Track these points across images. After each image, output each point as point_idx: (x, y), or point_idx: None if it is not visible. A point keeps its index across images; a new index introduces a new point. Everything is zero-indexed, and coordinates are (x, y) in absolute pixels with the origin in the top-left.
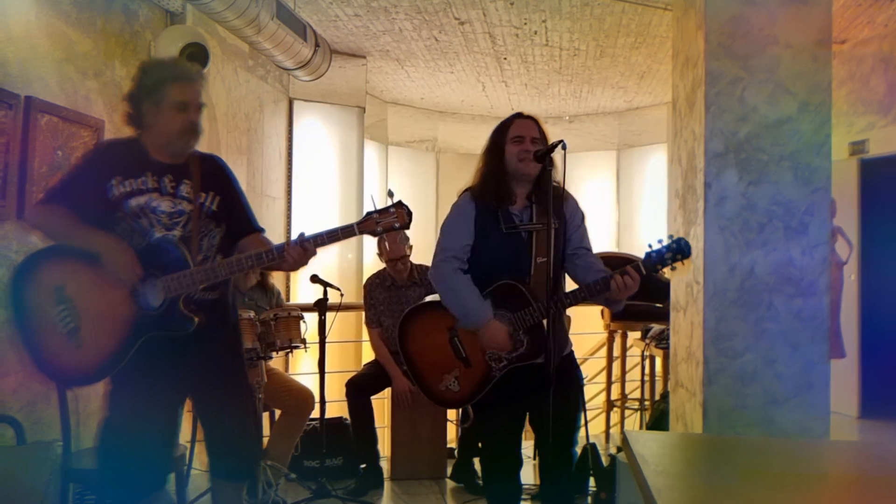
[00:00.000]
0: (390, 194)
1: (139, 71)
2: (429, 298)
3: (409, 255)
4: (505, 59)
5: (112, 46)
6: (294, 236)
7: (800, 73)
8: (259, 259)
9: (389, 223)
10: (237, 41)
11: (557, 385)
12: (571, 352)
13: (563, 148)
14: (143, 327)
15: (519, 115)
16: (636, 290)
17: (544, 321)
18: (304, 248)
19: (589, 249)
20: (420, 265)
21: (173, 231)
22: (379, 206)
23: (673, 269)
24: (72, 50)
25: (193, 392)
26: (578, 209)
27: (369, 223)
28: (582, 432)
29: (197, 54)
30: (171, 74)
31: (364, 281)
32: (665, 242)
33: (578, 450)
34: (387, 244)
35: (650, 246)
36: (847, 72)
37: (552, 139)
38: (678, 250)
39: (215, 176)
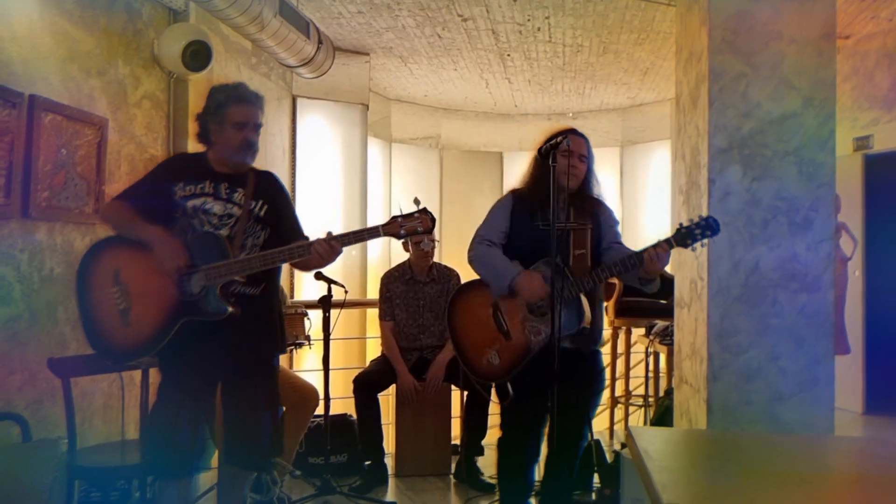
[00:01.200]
0: (416, 202)
1: (208, 94)
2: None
3: (435, 243)
4: (508, 55)
5: (115, 45)
6: (317, 238)
7: (804, 68)
8: (291, 253)
9: (413, 227)
10: (240, 39)
11: (580, 377)
12: (600, 353)
13: (567, 144)
14: (183, 311)
15: (574, 132)
16: (664, 267)
17: (585, 303)
18: (330, 246)
19: (621, 244)
20: (439, 263)
21: (221, 230)
22: (405, 212)
23: (703, 245)
24: (75, 48)
25: (223, 379)
26: (613, 216)
27: (393, 226)
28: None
29: (200, 52)
30: (231, 96)
31: (379, 277)
32: (695, 220)
33: (588, 439)
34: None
35: (681, 223)
36: (851, 67)
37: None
38: (707, 227)
39: (268, 188)
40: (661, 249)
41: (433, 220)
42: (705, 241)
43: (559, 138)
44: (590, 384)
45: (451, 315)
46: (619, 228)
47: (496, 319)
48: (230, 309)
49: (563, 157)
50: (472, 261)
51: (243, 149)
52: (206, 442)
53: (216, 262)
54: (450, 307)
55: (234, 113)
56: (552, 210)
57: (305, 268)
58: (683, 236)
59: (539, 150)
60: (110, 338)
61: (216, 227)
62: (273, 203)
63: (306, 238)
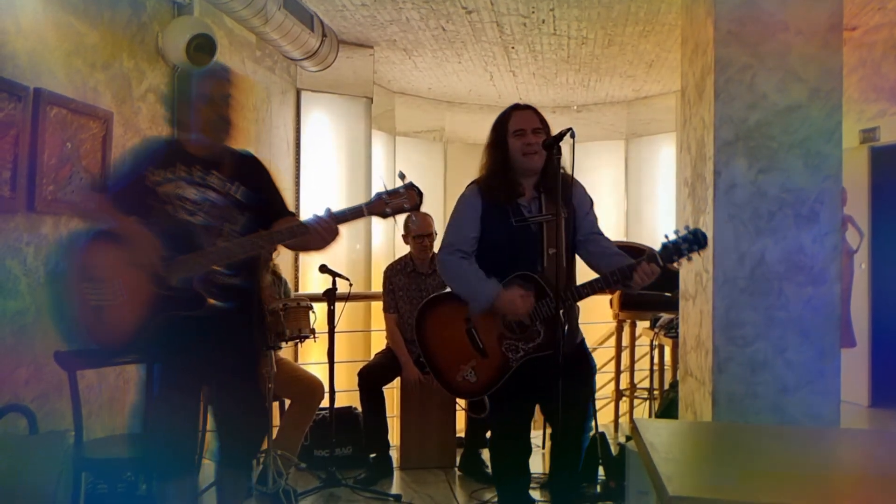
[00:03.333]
0: (402, 176)
1: (174, 77)
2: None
3: (435, 235)
4: (512, 48)
5: (120, 38)
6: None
7: (810, 59)
8: (271, 238)
9: (399, 204)
10: (244, 32)
11: (570, 374)
12: (583, 340)
13: (572, 136)
14: (161, 306)
15: (516, 107)
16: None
17: (561, 311)
18: (322, 224)
19: (601, 234)
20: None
21: (196, 216)
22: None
23: (689, 259)
24: (80, 42)
25: (210, 378)
26: (586, 196)
27: (379, 204)
28: (591, 422)
29: (204, 45)
30: (200, 74)
31: (383, 269)
32: (682, 233)
33: (591, 434)
34: (414, 218)
35: (667, 237)
36: (858, 58)
37: (560, 128)
38: (695, 241)
39: (245, 169)
40: (652, 271)
41: (420, 194)
42: (692, 255)
43: (563, 130)
44: (577, 376)
45: (421, 329)
46: (614, 224)
47: (470, 336)
48: (210, 301)
49: (516, 139)
50: (444, 273)
51: (213, 125)
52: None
53: (193, 253)
54: (419, 320)
55: (205, 90)
56: (556, 211)
57: (303, 249)
58: (670, 252)
59: (543, 144)
60: (89, 334)
61: (191, 213)
62: (252, 184)
63: (291, 213)
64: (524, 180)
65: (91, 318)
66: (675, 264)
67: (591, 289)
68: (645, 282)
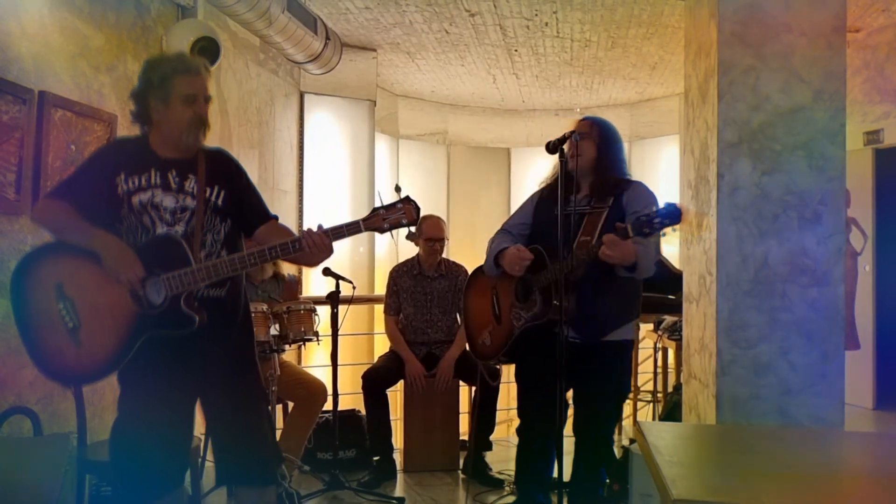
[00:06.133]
0: (398, 189)
1: (144, 67)
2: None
3: (445, 240)
4: (516, 51)
5: (124, 41)
6: (306, 229)
7: (814, 61)
8: (262, 256)
9: (397, 219)
10: (248, 35)
11: (595, 366)
12: (623, 341)
13: (576, 139)
14: (144, 326)
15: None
16: (626, 256)
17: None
18: (315, 240)
19: (642, 234)
20: (447, 259)
21: (176, 227)
22: (387, 202)
23: (663, 235)
24: (84, 45)
25: (201, 394)
26: (643, 197)
27: (376, 219)
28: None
29: (208, 48)
30: (176, 68)
31: (389, 271)
32: (656, 208)
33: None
34: (424, 225)
35: (639, 211)
36: (862, 60)
37: (563, 132)
38: (667, 215)
39: (222, 169)
40: (614, 240)
41: (417, 209)
42: (665, 230)
43: (567, 133)
44: (598, 381)
45: (466, 297)
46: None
47: (492, 303)
48: (197, 319)
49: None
50: (488, 245)
51: (194, 126)
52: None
53: (179, 269)
54: (466, 289)
55: (181, 85)
56: (559, 201)
57: (294, 262)
58: (640, 224)
59: (546, 147)
60: (60, 359)
61: (169, 223)
62: (230, 187)
63: (274, 217)
64: (581, 180)
65: (62, 344)
66: (648, 237)
67: (575, 259)
68: (612, 253)
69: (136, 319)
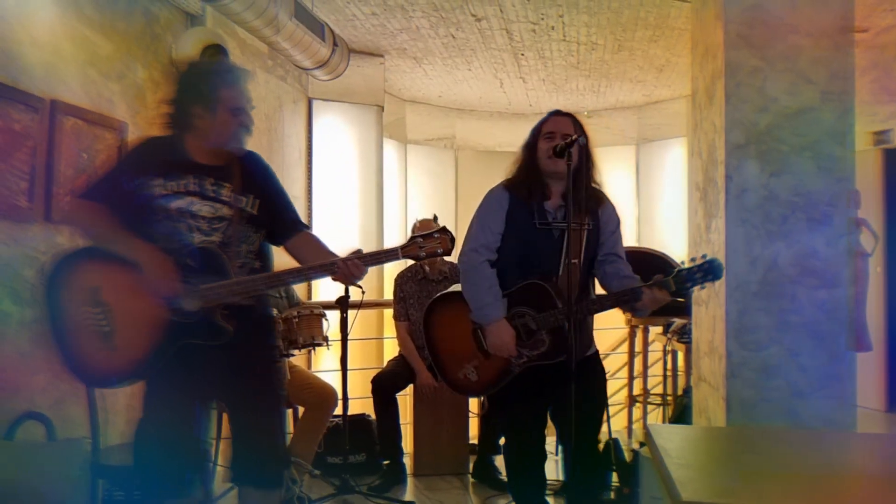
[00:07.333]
0: (435, 219)
1: (187, 73)
2: (454, 288)
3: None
4: (522, 54)
5: (134, 49)
6: (343, 258)
7: (821, 61)
8: (298, 275)
9: (433, 248)
10: (256, 42)
11: (580, 382)
12: (596, 351)
13: (582, 143)
14: (177, 334)
15: (556, 113)
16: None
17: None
18: (350, 266)
19: (620, 257)
20: (452, 263)
21: (211, 237)
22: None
23: (702, 288)
24: (94, 53)
25: (226, 400)
26: (615, 215)
27: (413, 248)
28: (604, 428)
29: (216, 56)
30: (225, 79)
31: (394, 277)
32: (698, 261)
33: (600, 446)
34: (418, 228)
35: (682, 263)
36: (870, 60)
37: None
38: (710, 270)
39: (255, 176)
40: (662, 295)
41: (452, 240)
42: (705, 284)
43: (573, 136)
44: (587, 385)
45: (429, 324)
46: (625, 229)
47: (475, 337)
48: (231, 331)
49: (545, 141)
50: (463, 271)
51: (239, 135)
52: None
53: (215, 281)
54: (428, 313)
55: (229, 97)
56: (567, 215)
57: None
58: (682, 280)
59: (554, 151)
60: (91, 361)
61: (206, 232)
62: (264, 195)
63: (306, 227)
64: (552, 185)
65: (94, 346)
66: (688, 292)
67: (599, 305)
68: (653, 306)
69: (170, 327)
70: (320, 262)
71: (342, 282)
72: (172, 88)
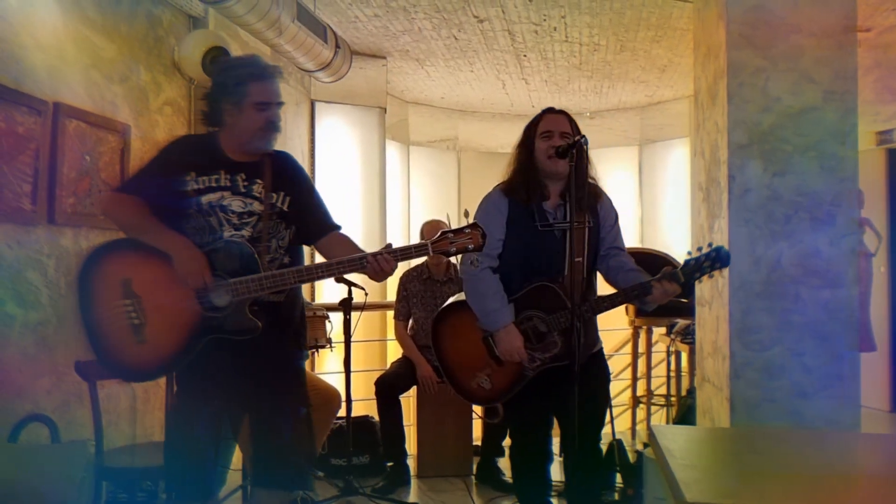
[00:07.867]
0: (466, 214)
1: (218, 69)
2: (457, 297)
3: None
4: (524, 56)
5: (137, 52)
6: (373, 253)
7: (824, 61)
8: (328, 269)
9: (463, 244)
10: (259, 44)
11: (584, 381)
12: (601, 349)
13: (584, 144)
14: (207, 328)
15: (549, 111)
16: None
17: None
18: (380, 261)
19: (622, 249)
20: (456, 263)
21: (242, 231)
22: (454, 225)
23: (710, 276)
24: (97, 56)
25: (249, 398)
26: (612, 209)
27: (444, 243)
28: (608, 428)
29: (219, 58)
30: (252, 74)
31: (399, 276)
32: (704, 250)
33: (604, 446)
34: (426, 231)
35: (689, 253)
36: (873, 59)
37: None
38: (717, 258)
39: (287, 174)
40: (672, 287)
41: (484, 235)
42: (713, 273)
43: (575, 136)
44: (592, 384)
45: (437, 334)
46: (628, 230)
47: (486, 344)
48: (260, 326)
49: (542, 141)
50: (466, 280)
51: (267, 132)
52: (227, 458)
53: (246, 275)
54: (435, 324)
55: (256, 91)
56: (570, 217)
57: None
58: (691, 270)
59: (557, 152)
60: (121, 354)
61: (236, 227)
62: (295, 193)
63: (337, 227)
64: (550, 185)
65: (125, 339)
66: (697, 282)
67: (609, 303)
68: (664, 299)
69: (200, 321)
70: (349, 256)
71: (372, 277)
72: (187, 103)
